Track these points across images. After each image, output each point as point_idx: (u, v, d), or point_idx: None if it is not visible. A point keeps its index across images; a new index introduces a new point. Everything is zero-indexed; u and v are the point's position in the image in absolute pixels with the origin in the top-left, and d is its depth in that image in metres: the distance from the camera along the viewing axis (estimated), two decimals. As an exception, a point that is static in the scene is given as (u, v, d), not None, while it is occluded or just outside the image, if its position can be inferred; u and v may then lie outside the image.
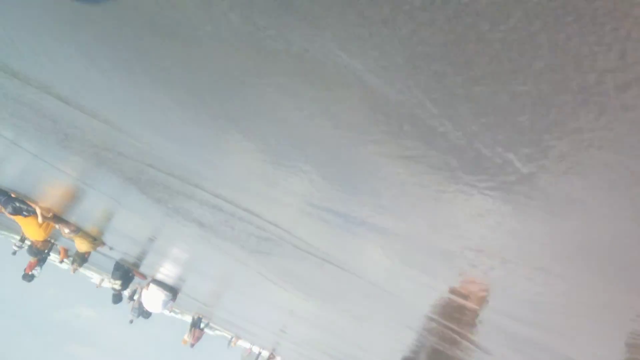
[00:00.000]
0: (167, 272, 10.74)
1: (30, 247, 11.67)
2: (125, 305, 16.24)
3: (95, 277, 23.24)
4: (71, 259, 12.37)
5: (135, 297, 14.69)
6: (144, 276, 13.16)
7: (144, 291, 13.38)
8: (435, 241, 2.34)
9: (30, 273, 12.98)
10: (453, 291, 2.98)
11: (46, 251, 12.46)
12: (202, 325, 18.29)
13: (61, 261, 18.09)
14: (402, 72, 1.28)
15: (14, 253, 14.76)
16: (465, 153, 1.50)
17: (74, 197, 7.13)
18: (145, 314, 14.44)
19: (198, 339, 16.43)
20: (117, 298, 15.04)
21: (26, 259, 13.29)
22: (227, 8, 1.36)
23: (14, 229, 15.39)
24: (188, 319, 23.57)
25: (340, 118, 1.67)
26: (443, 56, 1.17)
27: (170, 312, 19.17)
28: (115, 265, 12.96)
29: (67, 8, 1.89)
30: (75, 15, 1.90)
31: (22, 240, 13.25)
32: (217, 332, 27.89)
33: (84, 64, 2.31)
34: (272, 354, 32.97)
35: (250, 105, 1.91)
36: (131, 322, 15.82)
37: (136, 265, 12.27)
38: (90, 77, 2.43)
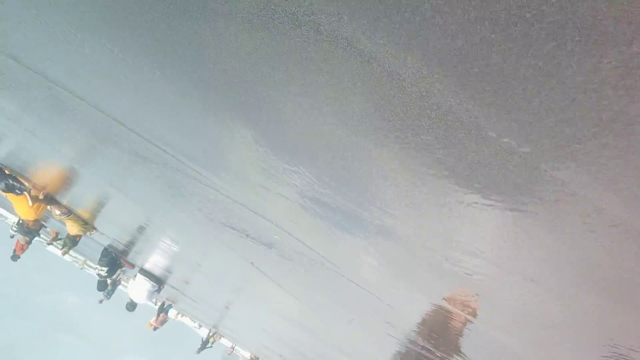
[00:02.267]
0: (155, 262, 10.68)
1: (21, 225, 11.58)
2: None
3: (79, 261, 23.21)
4: (62, 241, 12.29)
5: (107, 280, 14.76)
6: (131, 265, 13.06)
7: (130, 281, 13.29)
8: (437, 248, 2.32)
9: (19, 255, 12.89)
10: (447, 300, 2.96)
11: (37, 231, 12.38)
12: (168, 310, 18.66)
13: (50, 243, 18.01)
14: (429, 64, 1.26)
15: (12, 237, 14.65)
16: (490, 161, 1.49)
17: (68, 178, 7.08)
18: (130, 306, 14.32)
19: (162, 322, 16.55)
20: (102, 285, 14.93)
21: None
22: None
23: (6, 206, 15.32)
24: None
25: (353, 114, 1.64)
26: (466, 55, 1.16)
27: (155, 304, 19.14)
28: (103, 251, 12.84)
29: None
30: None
31: (18, 223, 13.14)
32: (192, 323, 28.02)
33: (97, 47, 2.29)
34: (254, 356, 32.84)
35: (259, 94, 1.89)
36: (101, 302, 16.35)
37: (125, 252, 12.20)
38: (99, 59, 2.42)
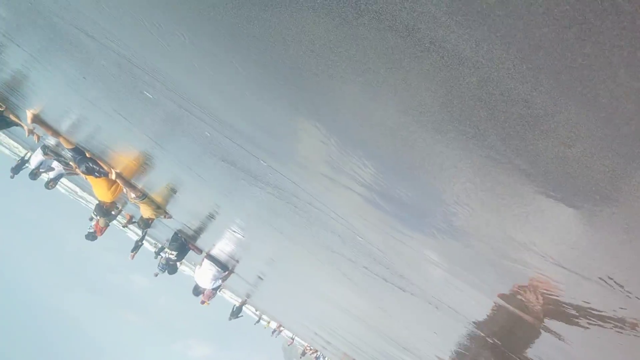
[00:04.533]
0: (221, 248, 10.98)
1: (99, 207, 12.11)
2: (177, 279, 17.13)
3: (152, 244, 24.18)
4: (136, 224, 12.85)
5: (161, 254, 15.44)
6: (199, 250, 13.47)
7: (197, 268, 13.70)
8: (504, 250, 2.28)
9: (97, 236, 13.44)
10: (512, 303, 2.90)
11: (114, 213, 12.95)
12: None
13: (125, 226, 18.85)
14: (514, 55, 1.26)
15: (91, 219, 15.36)
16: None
17: (145, 163, 7.38)
18: (196, 290, 14.76)
19: (210, 297, 16.98)
20: (172, 268, 15.52)
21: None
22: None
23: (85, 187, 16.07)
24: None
25: (413, 103, 1.64)
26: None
27: (219, 290, 19.72)
28: (173, 236, 13.37)
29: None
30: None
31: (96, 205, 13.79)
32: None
33: (177, 30, 2.40)
34: (312, 348, 33.20)
35: (324, 80, 1.92)
36: (156, 275, 17.48)
37: (193, 238, 12.61)
38: (174, 45, 2.53)
